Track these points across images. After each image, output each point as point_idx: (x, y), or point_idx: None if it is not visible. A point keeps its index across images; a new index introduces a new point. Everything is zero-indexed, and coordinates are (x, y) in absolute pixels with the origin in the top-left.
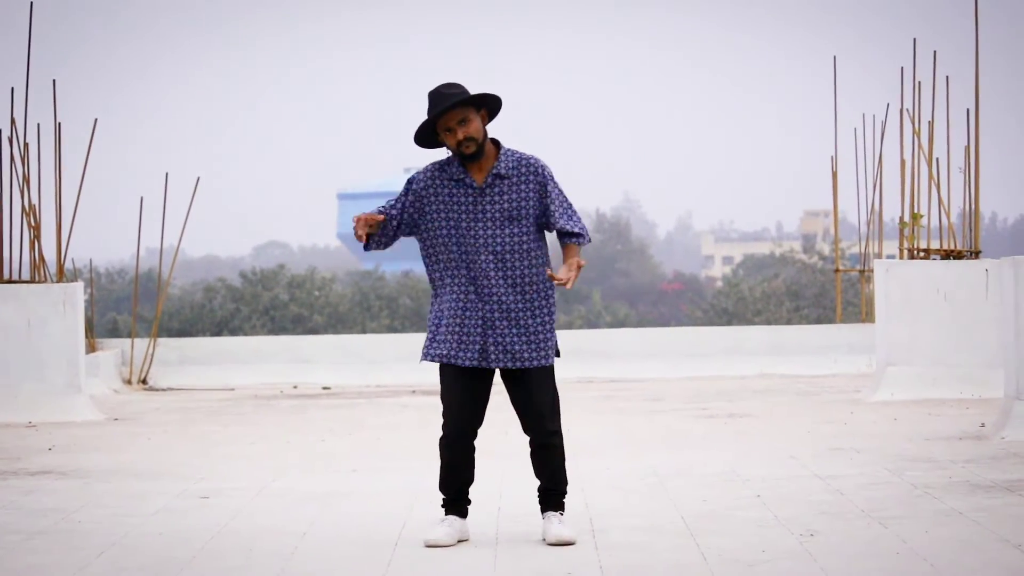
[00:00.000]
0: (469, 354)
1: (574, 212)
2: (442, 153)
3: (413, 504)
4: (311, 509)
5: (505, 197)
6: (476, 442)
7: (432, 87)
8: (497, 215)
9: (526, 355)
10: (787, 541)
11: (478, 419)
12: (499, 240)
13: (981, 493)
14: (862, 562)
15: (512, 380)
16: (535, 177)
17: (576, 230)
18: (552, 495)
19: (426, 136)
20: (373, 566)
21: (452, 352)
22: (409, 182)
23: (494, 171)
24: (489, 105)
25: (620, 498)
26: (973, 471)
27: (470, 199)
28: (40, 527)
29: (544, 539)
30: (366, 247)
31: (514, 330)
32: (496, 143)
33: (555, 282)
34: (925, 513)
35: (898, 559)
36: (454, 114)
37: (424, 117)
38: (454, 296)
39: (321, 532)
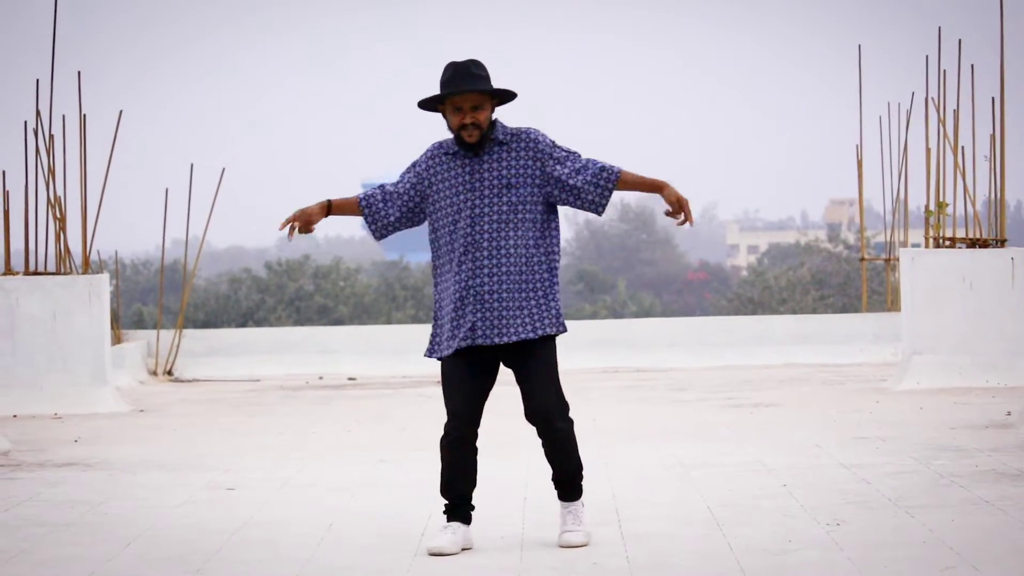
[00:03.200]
0: (461, 333)
1: (589, 160)
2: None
3: (439, 495)
4: (337, 500)
5: (503, 164)
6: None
7: (453, 60)
8: (495, 182)
9: (515, 328)
10: (813, 530)
11: (477, 413)
12: (496, 208)
13: (1007, 481)
14: (888, 551)
15: (515, 363)
16: (533, 146)
17: (600, 166)
18: (565, 485)
19: (432, 104)
20: (399, 557)
21: (447, 343)
22: (413, 164)
23: (491, 137)
24: (503, 98)
25: (646, 488)
26: (999, 460)
27: (467, 169)
28: (66, 519)
29: (558, 542)
30: (377, 235)
31: (507, 303)
32: (490, 120)
33: (677, 220)
34: (951, 502)
35: (924, 548)
36: (472, 97)
37: (434, 79)
38: (451, 276)
39: (347, 523)
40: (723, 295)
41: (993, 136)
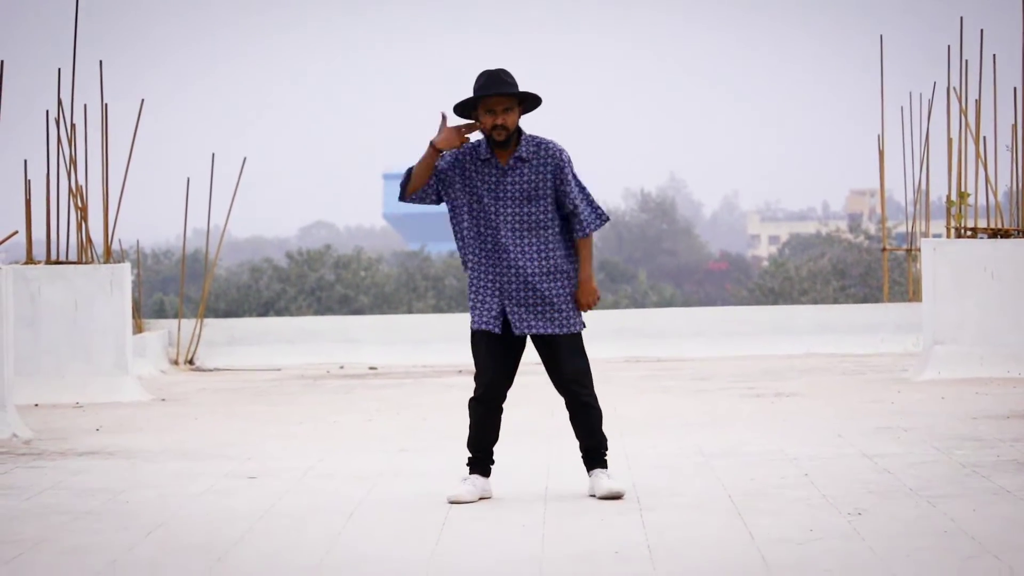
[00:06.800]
0: (487, 319)
1: (590, 199)
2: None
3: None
4: (358, 489)
5: (525, 178)
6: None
7: (487, 68)
8: (517, 194)
9: (543, 323)
10: (835, 520)
11: (506, 381)
12: (518, 217)
13: None
14: (910, 541)
15: (542, 347)
16: (552, 160)
17: (581, 217)
18: (594, 453)
19: (466, 107)
20: (421, 545)
21: (480, 318)
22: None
23: (516, 155)
24: (530, 104)
25: (667, 477)
26: (1021, 450)
27: (493, 178)
28: (88, 507)
29: (593, 494)
30: (406, 196)
31: (532, 298)
32: (518, 129)
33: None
34: (973, 492)
35: (946, 537)
36: (502, 100)
37: (469, 91)
38: (475, 267)
39: (368, 512)
40: (744, 285)
41: (1015, 126)
